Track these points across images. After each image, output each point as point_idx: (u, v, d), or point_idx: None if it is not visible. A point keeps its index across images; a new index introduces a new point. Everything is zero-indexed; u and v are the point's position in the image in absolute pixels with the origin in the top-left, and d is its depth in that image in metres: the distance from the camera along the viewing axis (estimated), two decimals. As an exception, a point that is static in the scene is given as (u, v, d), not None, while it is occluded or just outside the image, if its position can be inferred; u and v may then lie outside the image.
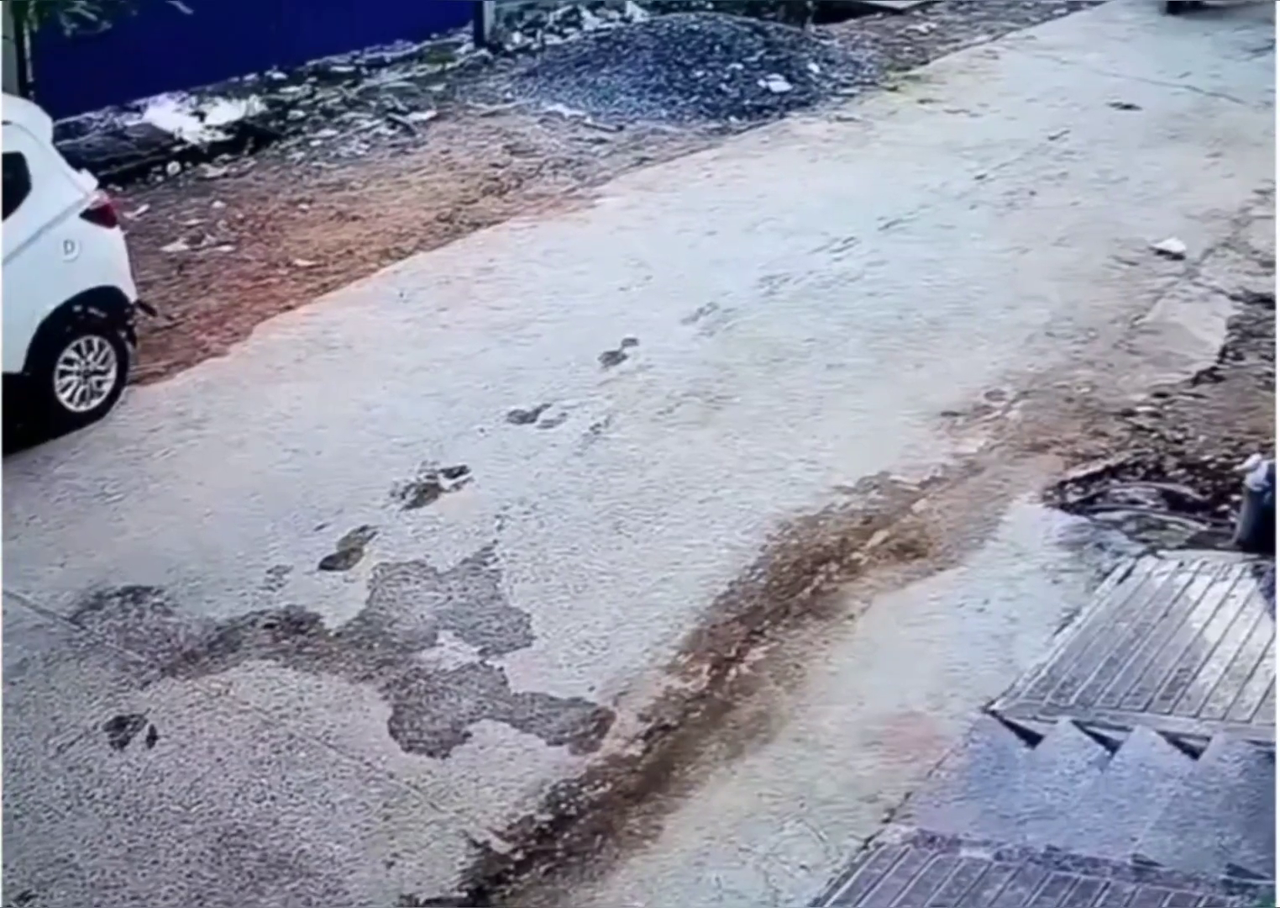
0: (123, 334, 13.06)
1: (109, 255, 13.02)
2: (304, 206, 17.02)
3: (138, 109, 18.79)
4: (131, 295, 13.21)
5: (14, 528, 11.36)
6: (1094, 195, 17.56)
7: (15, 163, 12.21)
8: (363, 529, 11.51)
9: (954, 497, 12.11)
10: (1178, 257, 16.06)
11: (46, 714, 9.65)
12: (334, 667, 10.23)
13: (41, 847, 8.83)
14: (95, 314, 12.78)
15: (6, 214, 12.12)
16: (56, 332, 12.45)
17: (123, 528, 11.50)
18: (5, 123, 12.16)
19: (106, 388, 12.86)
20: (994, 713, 9.87)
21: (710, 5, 23.91)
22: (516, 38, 22.75)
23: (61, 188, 12.69)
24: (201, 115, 18.97)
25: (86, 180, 13.13)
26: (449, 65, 21.39)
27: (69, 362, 12.55)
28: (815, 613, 10.84)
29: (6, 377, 12.01)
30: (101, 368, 12.81)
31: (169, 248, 15.99)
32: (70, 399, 12.61)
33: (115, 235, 13.16)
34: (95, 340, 12.76)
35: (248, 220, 16.63)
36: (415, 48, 21.81)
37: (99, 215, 12.96)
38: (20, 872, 8.65)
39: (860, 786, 9.31)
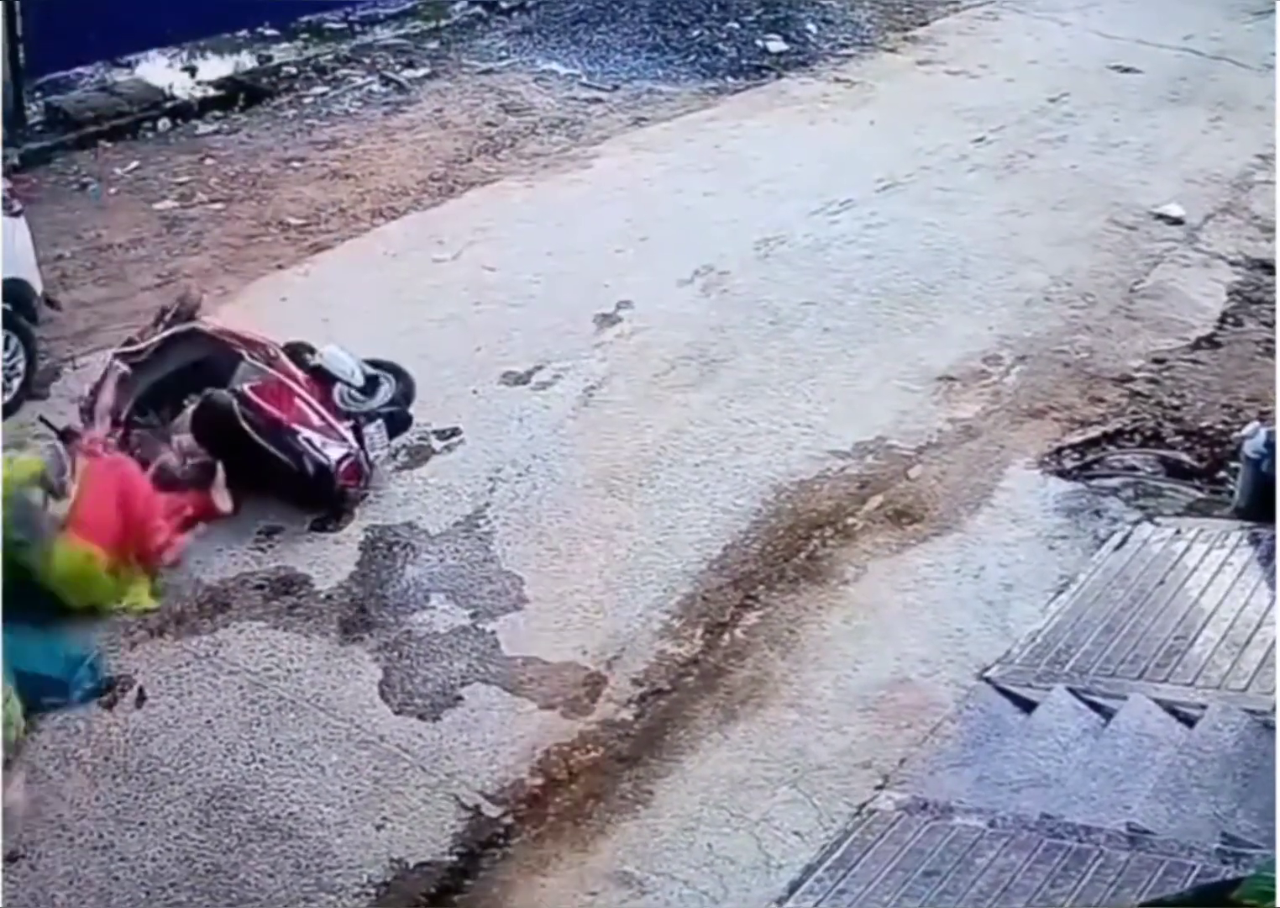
0: (32, 329, 12.43)
1: (14, 246, 12.24)
2: (296, 164, 16.91)
3: (128, 65, 18.62)
4: (39, 288, 12.65)
5: None
6: (1093, 159, 17.45)
7: None
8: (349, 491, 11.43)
9: (950, 462, 12.05)
10: (1177, 221, 15.96)
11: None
12: (324, 629, 10.20)
13: (29, 807, 8.78)
14: (1, 309, 12.07)
15: None
16: None
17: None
18: None
19: (16, 383, 12.23)
20: (989, 680, 9.85)
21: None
22: (512, -6, 22.58)
23: None
24: (192, 71, 18.81)
25: None
26: (443, 22, 21.20)
27: None
28: (809, 578, 10.80)
29: None
30: (9, 363, 12.19)
31: (159, 205, 15.88)
32: None
33: (20, 225, 12.40)
34: (2, 335, 12.11)
35: (239, 178, 16.51)
36: (409, 4, 21.60)
37: (4, 204, 12.25)
38: (8, 832, 8.62)
39: (854, 752, 9.29)
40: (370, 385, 11.73)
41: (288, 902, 8.36)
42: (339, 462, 11.12)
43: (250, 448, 11.11)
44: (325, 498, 11.22)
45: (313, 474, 11.09)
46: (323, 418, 11.28)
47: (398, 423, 11.72)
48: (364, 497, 11.39)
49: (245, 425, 11.11)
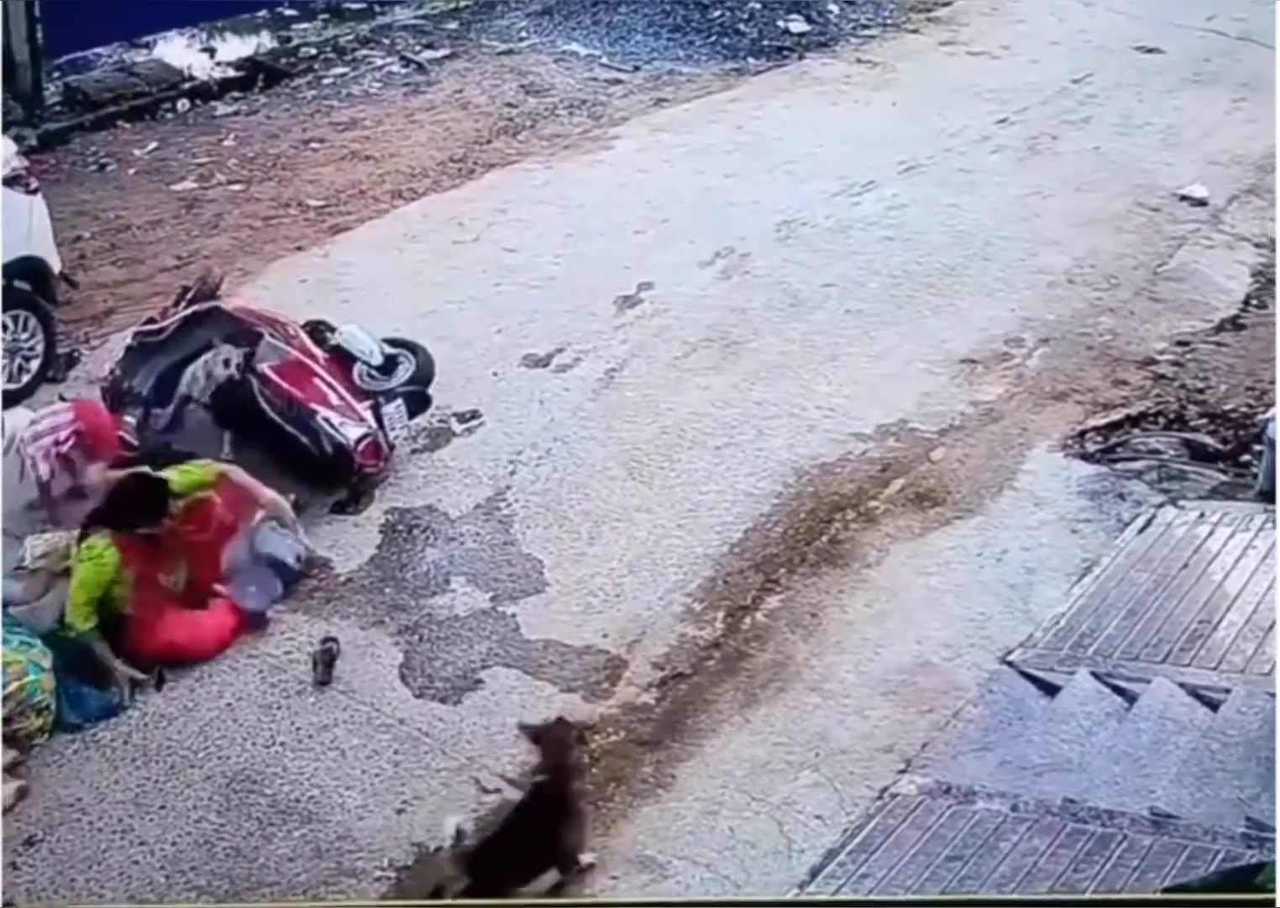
0: (49, 307, 12.41)
1: (32, 224, 12.28)
2: (315, 145, 16.88)
3: (147, 45, 18.63)
4: (56, 266, 12.63)
5: None
6: (1117, 140, 17.36)
7: None
8: (370, 475, 11.40)
9: (972, 445, 12.00)
10: (1201, 203, 15.88)
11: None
12: (344, 612, 10.19)
13: (48, 791, 8.82)
14: (19, 287, 12.10)
15: None
16: None
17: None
18: None
19: (34, 364, 12.25)
20: (1011, 664, 9.82)
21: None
22: (533, -25, 22.55)
23: None
24: (211, 52, 18.82)
25: (4, 145, 12.44)
26: (463, 2, 21.13)
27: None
28: (831, 562, 10.76)
29: None
30: (28, 344, 12.22)
31: (178, 186, 15.86)
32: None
33: (38, 203, 12.40)
34: (21, 315, 12.12)
35: (258, 159, 16.49)
36: (429, -16, 21.61)
37: (20, 182, 12.25)
38: (27, 816, 8.62)
39: (876, 736, 9.27)
40: (389, 365, 11.73)
41: (308, 886, 8.35)
42: (357, 441, 11.09)
43: (270, 428, 11.09)
44: (344, 477, 11.20)
45: (331, 454, 11.07)
46: (341, 397, 11.26)
47: (417, 402, 11.68)
48: (383, 477, 11.37)
49: (264, 406, 11.09)
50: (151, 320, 11.74)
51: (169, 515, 9.71)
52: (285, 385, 11.20)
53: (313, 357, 11.43)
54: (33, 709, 8.98)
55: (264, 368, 11.25)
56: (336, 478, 11.23)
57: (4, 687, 8.87)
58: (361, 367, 11.61)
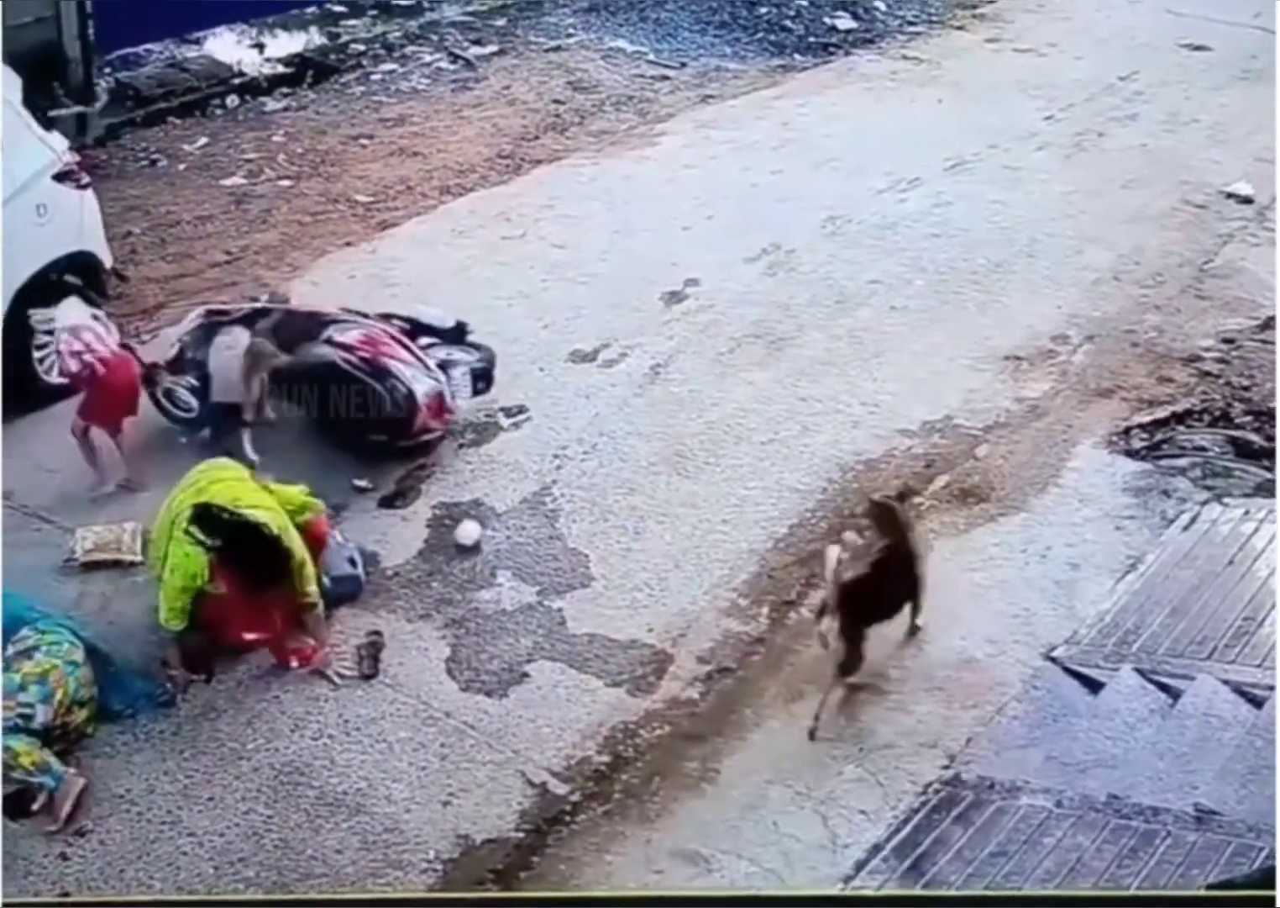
0: (100, 301, 12.28)
1: (83, 219, 12.36)
2: (364, 141, 16.93)
3: (197, 41, 18.67)
4: (108, 261, 12.66)
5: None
6: (1163, 137, 17.34)
7: None
8: (420, 467, 11.47)
9: (1017, 441, 12.02)
10: (1247, 200, 15.85)
11: (105, 648, 9.59)
12: (392, 605, 10.24)
13: (98, 782, 8.87)
14: (71, 281, 11.97)
15: None
16: (31, 302, 11.58)
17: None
18: None
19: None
20: (1055, 660, 9.84)
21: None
22: (580, -29, 22.58)
23: (32, 150, 12.05)
24: (261, 48, 18.86)
25: (57, 141, 12.47)
26: None
27: (47, 332, 11.71)
28: (875, 557, 10.78)
29: None
30: None
31: (227, 181, 15.92)
32: (48, 372, 11.82)
33: (89, 198, 12.46)
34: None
35: (307, 155, 16.54)
36: (478, -19, 21.65)
37: (71, 177, 12.30)
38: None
39: (920, 731, 9.30)
40: (458, 334, 11.91)
41: (355, 878, 8.41)
42: (425, 394, 11.25)
43: (340, 381, 11.26)
44: (407, 430, 11.36)
45: (399, 401, 11.23)
46: (414, 355, 11.46)
47: (480, 379, 11.84)
48: (430, 472, 11.43)
49: (337, 360, 11.29)
50: (223, 302, 11.93)
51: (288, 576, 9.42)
52: (360, 345, 11.43)
53: (385, 327, 11.69)
54: (76, 704, 9.04)
55: (340, 337, 11.50)
56: (400, 430, 11.37)
57: (52, 699, 8.92)
58: (430, 340, 11.77)
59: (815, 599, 10.21)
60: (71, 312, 11.19)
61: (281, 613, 9.51)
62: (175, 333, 12.04)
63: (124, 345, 11.36)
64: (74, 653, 9.10)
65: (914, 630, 9.95)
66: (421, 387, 11.29)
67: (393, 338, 11.60)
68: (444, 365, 11.58)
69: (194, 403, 11.46)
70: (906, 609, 9.87)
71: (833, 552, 9.54)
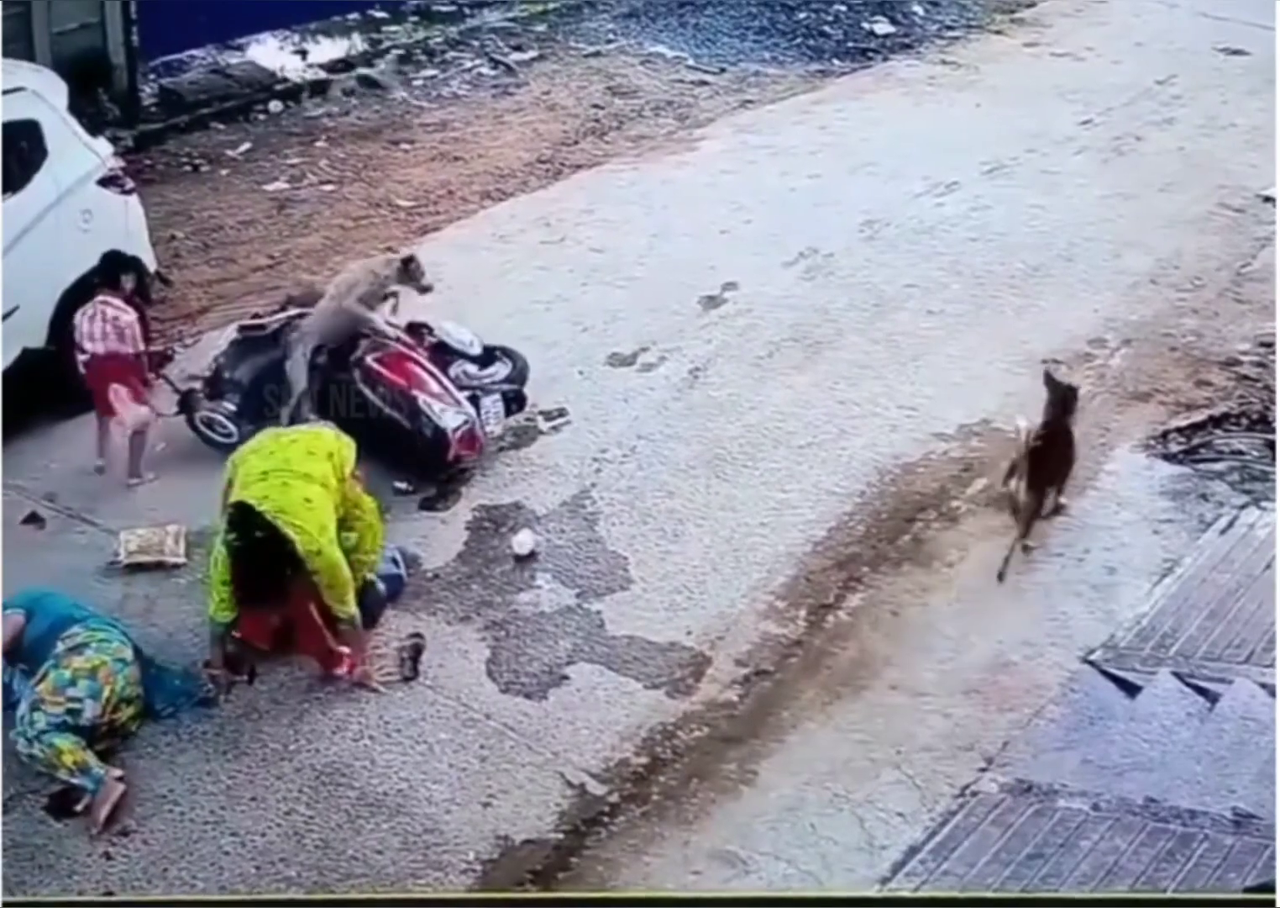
0: (143, 306, 12.32)
1: (127, 223, 12.48)
2: (405, 146, 17.01)
3: (240, 47, 18.79)
4: (151, 265, 12.77)
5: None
6: (1201, 141, 17.34)
7: (31, 130, 11.74)
8: (462, 470, 11.52)
9: (1055, 445, 12.00)
10: (1285, 204, 15.84)
11: (148, 650, 9.70)
12: (432, 608, 10.30)
13: (141, 782, 8.95)
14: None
15: (23, 183, 11.70)
16: (77, 306, 11.57)
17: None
18: (20, 90, 11.76)
19: None
20: (1093, 663, 9.85)
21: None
22: (619, -23, 22.61)
23: (78, 155, 12.20)
24: (304, 54, 18.97)
25: (102, 146, 12.64)
26: (551, 5, 21.20)
27: None
28: (913, 561, 10.83)
29: (28, 352, 11.65)
30: None
31: (270, 187, 16.03)
32: None
33: (133, 202, 12.59)
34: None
35: (349, 160, 16.63)
36: (517, -13, 21.71)
37: (116, 182, 12.46)
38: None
39: (957, 734, 9.32)
40: (487, 358, 11.90)
41: (395, 878, 8.46)
42: (456, 429, 11.26)
43: (372, 413, 11.29)
44: (439, 464, 11.37)
45: (430, 438, 11.23)
46: (442, 386, 11.45)
47: (513, 401, 11.84)
48: (471, 475, 11.49)
49: (366, 391, 11.27)
50: (257, 315, 11.98)
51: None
52: (388, 373, 11.43)
53: (414, 350, 11.63)
54: (124, 701, 9.12)
55: (367, 359, 11.44)
56: (432, 464, 11.39)
57: (100, 695, 9.00)
58: (460, 365, 11.78)
59: (853, 603, 10.29)
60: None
61: (307, 624, 9.59)
62: (213, 343, 12.11)
63: (138, 355, 11.40)
64: (123, 651, 9.18)
65: (1059, 509, 11.19)
66: (452, 422, 11.31)
67: (421, 365, 11.59)
68: (475, 398, 11.57)
69: (233, 430, 11.47)
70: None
71: (1023, 423, 11.12)
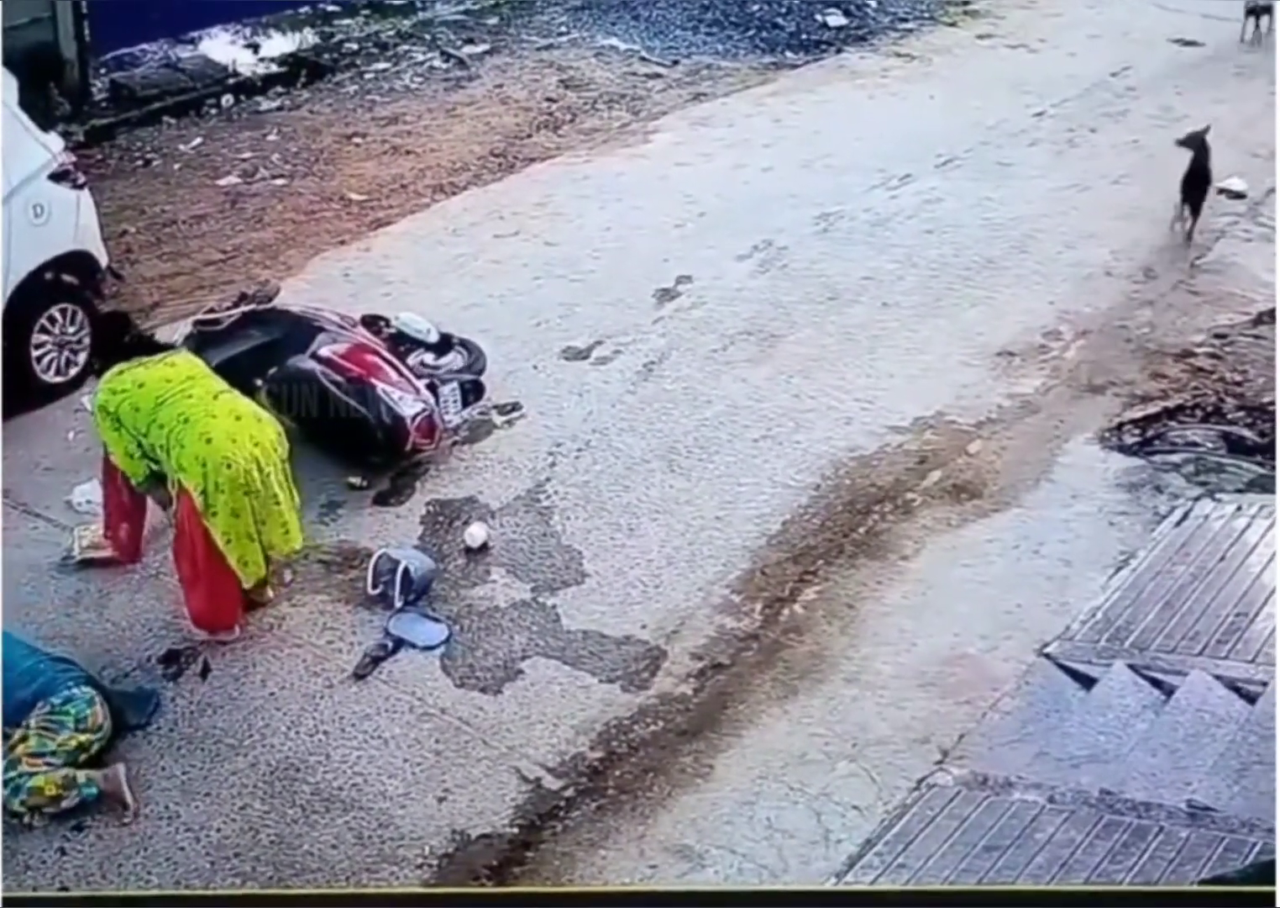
0: (96, 301, 12.46)
1: (79, 218, 12.39)
2: (357, 140, 16.98)
3: (192, 41, 18.73)
4: (103, 260, 12.70)
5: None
6: (1155, 133, 17.35)
7: None
8: (415, 465, 11.49)
9: (1010, 437, 12.03)
10: (1239, 196, 15.86)
11: (100, 646, 9.69)
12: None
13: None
14: (67, 281, 12.23)
15: None
16: (28, 301, 11.79)
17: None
18: None
19: (82, 357, 12.23)
20: (1048, 656, 9.83)
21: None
22: (571, -31, 22.60)
23: (29, 150, 12.06)
24: (255, 47, 18.91)
25: (54, 141, 12.52)
26: (503, -2, 21.26)
27: (42, 331, 12.01)
28: (869, 553, 10.81)
29: None
30: (75, 337, 12.27)
31: (222, 181, 15.98)
32: (45, 370, 12.09)
33: (85, 197, 12.50)
34: (68, 308, 12.21)
35: (301, 154, 16.59)
36: (470, -21, 21.67)
37: (68, 177, 12.35)
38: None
39: (913, 727, 9.30)
40: (444, 347, 11.89)
41: (350, 873, 8.41)
42: (414, 416, 11.24)
43: (330, 402, 11.26)
44: (398, 452, 11.36)
45: (389, 425, 11.20)
46: (401, 375, 11.43)
47: (471, 391, 11.83)
48: (424, 469, 11.45)
49: (324, 381, 11.24)
50: (212, 310, 11.91)
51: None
52: (346, 363, 11.42)
53: (372, 341, 11.60)
54: (93, 731, 9.04)
55: (325, 352, 11.42)
56: (391, 452, 11.39)
57: (79, 759, 8.95)
58: (419, 355, 11.76)
59: (809, 596, 10.30)
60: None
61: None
62: (167, 339, 12.03)
63: None
64: (97, 717, 9.05)
65: (1190, 236, 14.73)
66: (410, 410, 11.29)
67: (379, 355, 11.60)
68: (433, 387, 11.57)
69: None
70: None
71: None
